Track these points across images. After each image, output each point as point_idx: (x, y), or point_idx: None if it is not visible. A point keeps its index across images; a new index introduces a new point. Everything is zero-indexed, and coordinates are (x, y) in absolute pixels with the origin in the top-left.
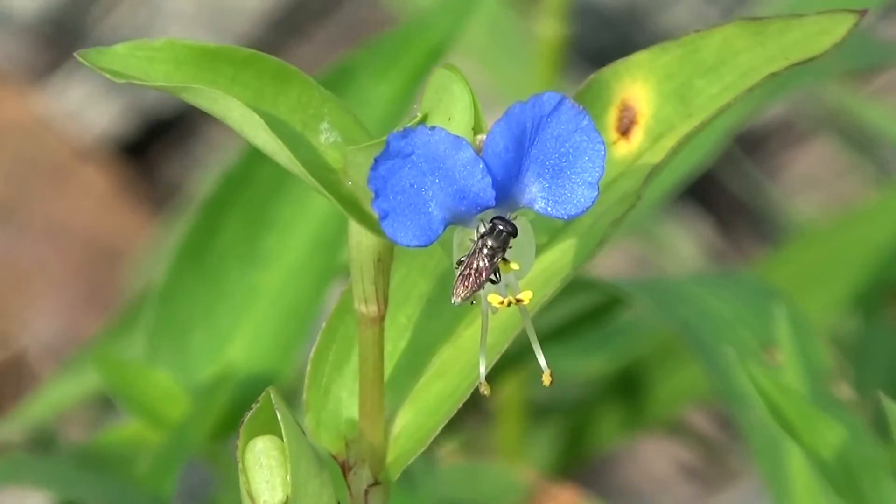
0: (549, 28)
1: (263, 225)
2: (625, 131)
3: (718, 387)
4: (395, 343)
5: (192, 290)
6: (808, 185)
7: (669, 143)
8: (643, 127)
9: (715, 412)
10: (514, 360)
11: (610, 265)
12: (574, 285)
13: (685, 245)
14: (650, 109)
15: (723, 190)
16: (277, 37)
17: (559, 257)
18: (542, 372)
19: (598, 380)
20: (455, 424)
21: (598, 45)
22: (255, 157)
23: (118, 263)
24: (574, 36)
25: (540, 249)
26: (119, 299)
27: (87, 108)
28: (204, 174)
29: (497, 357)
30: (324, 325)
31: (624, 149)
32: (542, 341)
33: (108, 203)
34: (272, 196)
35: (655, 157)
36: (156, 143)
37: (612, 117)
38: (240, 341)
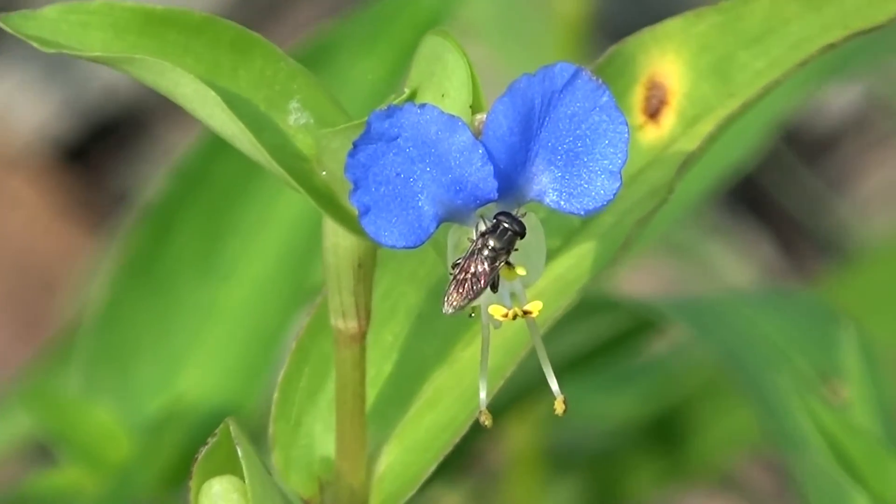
0: (568, 3)
1: (223, 231)
2: (653, 113)
3: (768, 426)
4: (380, 366)
5: (137, 310)
6: (887, 197)
7: (706, 127)
8: (675, 108)
9: (769, 460)
10: (525, 392)
11: (641, 286)
12: (596, 305)
13: (735, 265)
14: (683, 87)
15: (782, 202)
16: (248, 16)
17: (575, 263)
18: (560, 410)
19: (629, 422)
20: (458, 472)
21: (625, 23)
22: (212, 150)
23: (54, 289)
24: (597, 12)
25: (552, 254)
26: (54, 329)
27: (15, 103)
28: (153, 175)
29: (501, 382)
30: (294, 344)
31: (652, 134)
32: (559, 372)
33: (41, 219)
34: (233, 196)
35: (690, 144)
36: (100, 147)
37: (638, 97)
38: (194, 368)
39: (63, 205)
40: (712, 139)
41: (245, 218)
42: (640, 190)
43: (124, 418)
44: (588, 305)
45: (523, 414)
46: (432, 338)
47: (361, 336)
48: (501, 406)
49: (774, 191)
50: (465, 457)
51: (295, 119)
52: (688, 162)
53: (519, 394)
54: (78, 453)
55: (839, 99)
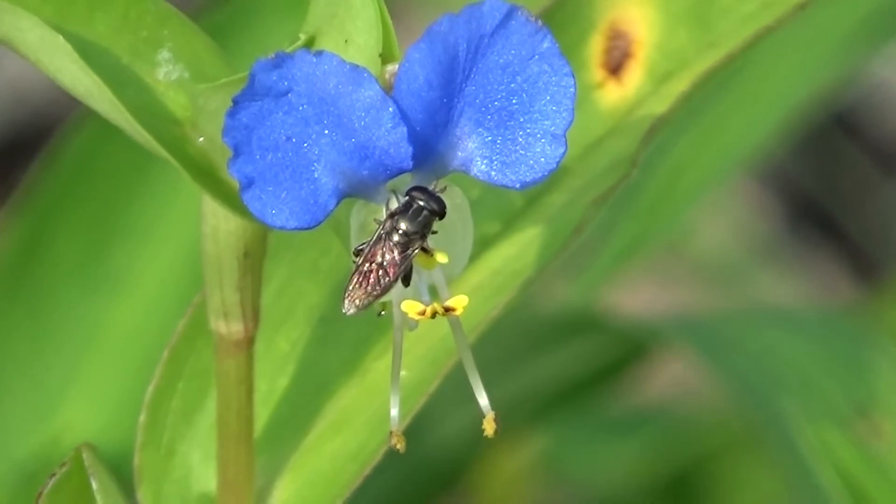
0: None
1: (110, 233)
2: (615, 68)
3: (792, 481)
4: (273, 380)
5: (3, 332)
6: None
7: (680, 85)
8: (642, 62)
9: None
10: (510, 431)
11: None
12: (581, 324)
13: (793, 292)
14: (653, 36)
15: (854, 218)
16: None
17: (517, 253)
18: (490, 430)
19: (633, 480)
20: None
21: None
22: (96, 135)
23: None
24: None
25: (489, 241)
26: None
27: None
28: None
29: (422, 399)
30: (165, 354)
31: (614, 94)
32: (538, 406)
33: None
34: (122, 191)
35: (660, 105)
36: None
37: (596, 47)
38: (75, 402)
39: None
40: (686, 100)
41: (137, 217)
42: (598, 163)
43: None
44: (576, 325)
45: (499, 462)
46: (338, 345)
47: (248, 342)
48: (466, 449)
49: (845, 205)
50: None
51: (165, 73)
52: (656, 128)
53: (507, 432)
54: None
55: None
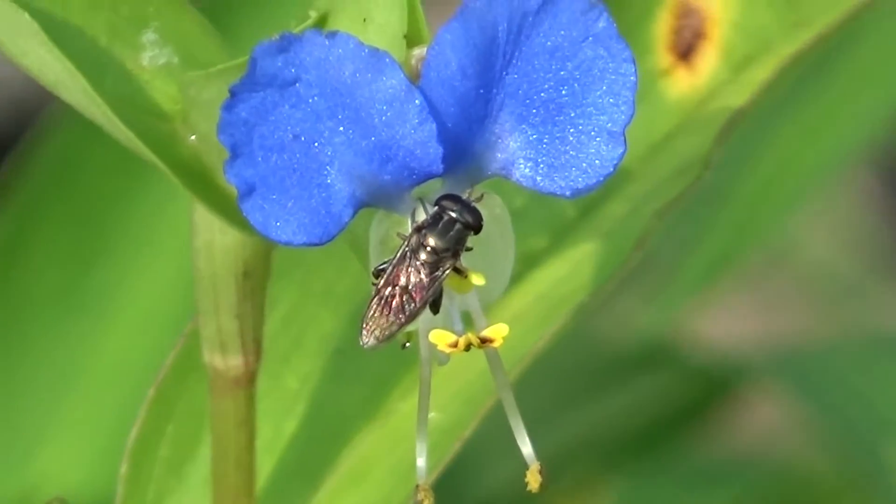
0: None
1: (93, 251)
2: (685, 51)
3: None
4: (278, 423)
5: None
6: None
7: (762, 72)
8: (718, 44)
9: None
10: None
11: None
12: (657, 357)
13: None
14: (731, 13)
15: None
16: None
17: (568, 273)
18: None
19: None
20: None
21: None
22: (83, 131)
23: None
24: None
25: (535, 258)
26: None
27: None
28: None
29: (455, 445)
30: (152, 392)
31: (684, 82)
32: (605, 451)
33: None
34: (111, 198)
35: (739, 95)
36: None
37: (662, 27)
38: (54, 447)
39: None
40: (770, 89)
41: (124, 229)
42: (664, 165)
43: None
44: (648, 357)
45: None
46: (356, 382)
47: (249, 379)
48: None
49: None
50: None
51: (151, 57)
52: (734, 122)
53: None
54: None
55: None
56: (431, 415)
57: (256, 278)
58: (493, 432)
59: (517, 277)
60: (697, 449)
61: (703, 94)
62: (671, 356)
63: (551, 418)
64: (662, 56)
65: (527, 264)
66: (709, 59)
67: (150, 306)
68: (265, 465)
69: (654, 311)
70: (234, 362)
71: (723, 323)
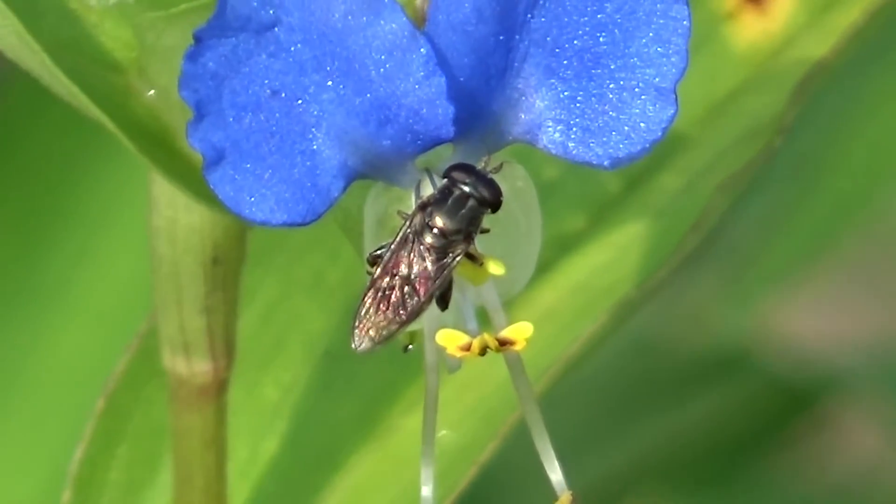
0: None
1: (48, 232)
2: None
3: None
4: (256, 443)
5: None
6: None
7: (849, 15)
8: None
9: None
10: None
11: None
12: (731, 364)
13: None
14: None
15: None
16: None
17: (611, 260)
18: None
19: None
20: None
21: None
22: (29, 105)
23: None
24: None
25: (570, 242)
26: None
27: None
28: None
29: (471, 469)
30: (99, 405)
31: (754, 28)
32: (666, 472)
33: None
34: (67, 172)
35: (820, 44)
36: None
37: None
38: None
39: None
40: (862, 37)
41: (83, 208)
42: (728, 129)
43: None
44: (720, 364)
45: None
46: (350, 393)
47: (219, 389)
48: None
49: None
50: None
51: None
52: (814, 77)
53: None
54: None
55: None
56: (442, 433)
57: (228, 265)
58: (520, 455)
59: (547, 265)
60: (780, 474)
61: (776, 42)
62: (749, 362)
63: (605, 436)
64: None
65: (560, 249)
66: (782, 2)
67: (108, 301)
68: (239, 495)
69: (730, 307)
70: (200, 368)
71: (814, 321)
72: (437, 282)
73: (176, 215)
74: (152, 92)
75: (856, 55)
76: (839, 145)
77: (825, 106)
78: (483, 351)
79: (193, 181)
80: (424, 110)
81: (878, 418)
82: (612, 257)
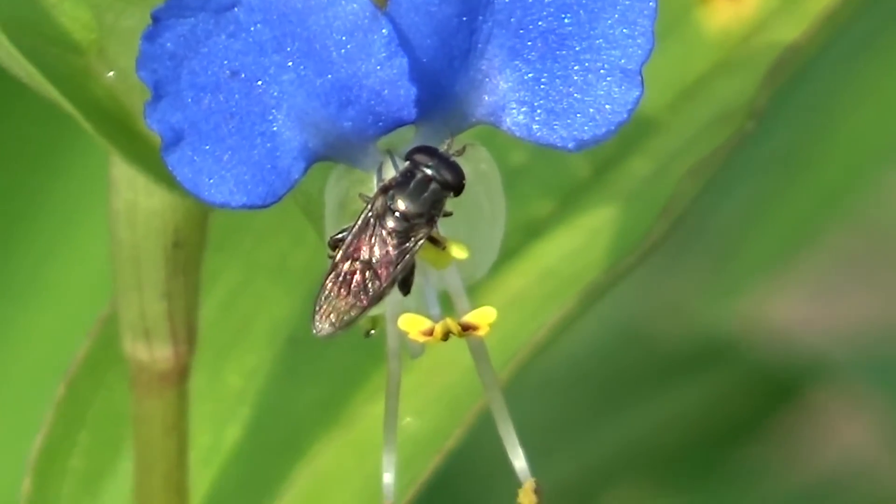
0: None
1: (14, 227)
2: None
3: None
4: (219, 430)
5: None
6: None
7: (821, 2)
8: None
9: None
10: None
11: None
12: (713, 353)
13: None
14: None
15: None
16: None
17: (580, 245)
18: None
19: None
20: None
21: None
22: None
23: None
24: None
25: (538, 227)
26: None
27: None
28: None
29: (439, 459)
30: (60, 391)
31: (726, 10)
32: (652, 464)
33: None
34: (30, 172)
35: (792, 27)
36: None
37: None
38: None
39: None
40: (835, 21)
41: (52, 209)
42: (699, 114)
43: None
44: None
45: None
46: (315, 379)
47: (181, 375)
48: None
49: None
50: None
51: None
52: (786, 62)
53: None
54: None
55: None
56: (406, 420)
57: (190, 249)
58: (486, 442)
59: (515, 251)
60: (764, 466)
61: (748, 26)
62: (733, 352)
63: (588, 426)
64: None
65: (528, 234)
66: None
67: (80, 293)
68: (201, 482)
69: (714, 297)
70: (161, 353)
71: (798, 311)
72: (398, 266)
73: (136, 198)
74: (112, 73)
75: (839, 43)
76: (823, 134)
77: (808, 94)
78: (446, 336)
79: (153, 164)
80: (386, 92)
81: (863, 408)
82: (581, 243)
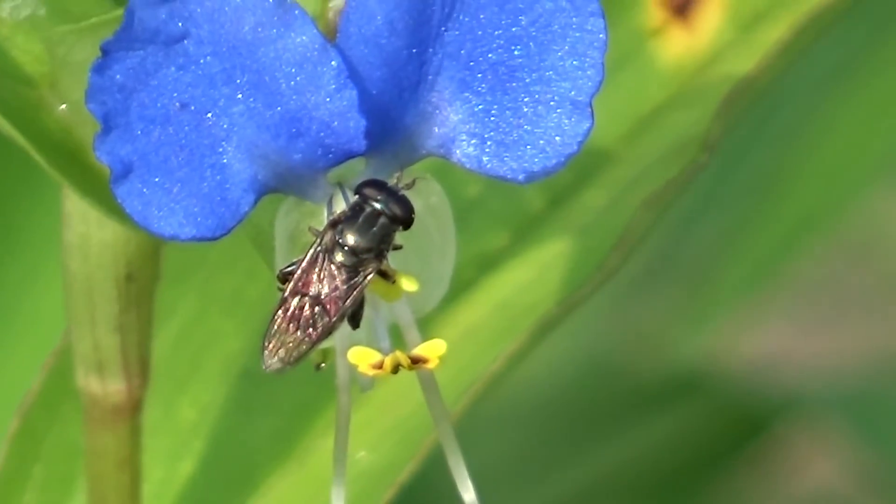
0: None
1: (13, 231)
2: (681, 5)
3: None
4: (172, 464)
5: None
6: None
7: (776, 31)
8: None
9: None
10: None
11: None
12: (686, 387)
13: None
14: None
15: None
16: None
17: (534, 278)
18: None
19: None
20: None
21: None
22: None
23: None
24: None
25: (491, 260)
26: None
27: None
28: None
29: (392, 492)
30: (13, 425)
31: (680, 43)
32: (622, 496)
33: None
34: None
35: (747, 59)
36: None
37: None
38: None
39: None
40: (789, 53)
41: (29, 237)
42: (653, 145)
43: None
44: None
45: None
46: (268, 413)
47: (134, 408)
48: None
49: None
50: None
51: (12, 8)
52: (740, 93)
53: None
54: None
55: None
56: (360, 454)
57: (143, 282)
58: (439, 476)
59: (469, 284)
60: (735, 500)
61: (702, 58)
62: (705, 386)
63: (560, 460)
64: (653, 11)
65: (482, 267)
66: (710, 15)
67: (56, 322)
68: None
69: (686, 329)
70: (114, 387)
71: (770, 342)
72: (347, 301)
73: (88, 231)
74: (64, 106)
75: (812, 70)
76: (796, 163)
77: (781, 121)
78: (395, 369)
79: (105, 197)
80: (336, 123)
81: (835, 443)
82: (535, 275)
